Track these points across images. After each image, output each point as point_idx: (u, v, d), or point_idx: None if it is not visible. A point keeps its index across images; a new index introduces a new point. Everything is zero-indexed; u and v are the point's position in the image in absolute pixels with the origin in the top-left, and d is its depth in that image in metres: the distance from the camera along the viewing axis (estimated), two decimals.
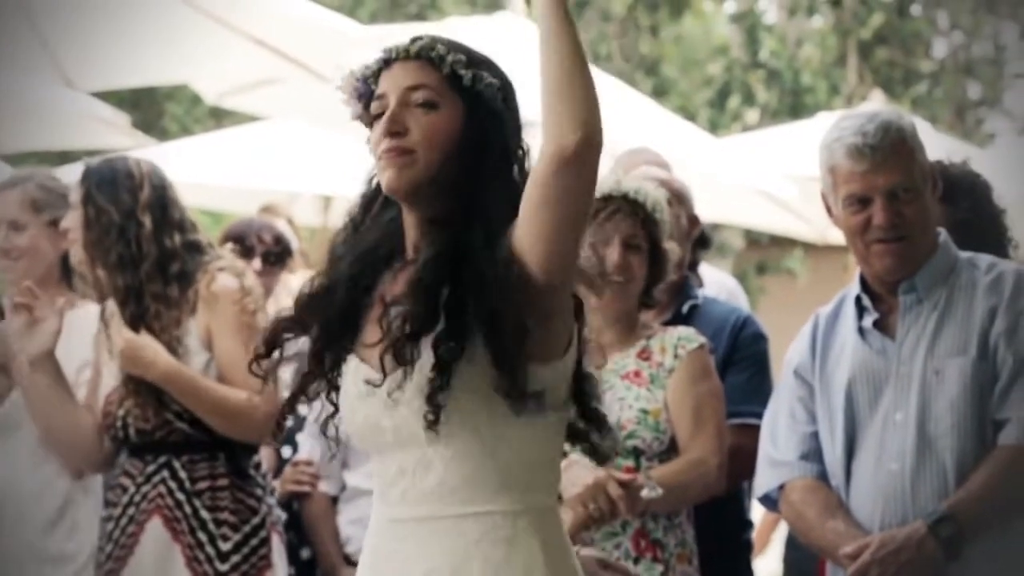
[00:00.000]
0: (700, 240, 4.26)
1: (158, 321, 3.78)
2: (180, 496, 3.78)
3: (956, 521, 3.05)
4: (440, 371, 2.32)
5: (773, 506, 3.32)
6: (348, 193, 7.87)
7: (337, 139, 7.27)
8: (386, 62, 2.43)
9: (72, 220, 3.88)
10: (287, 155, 7.85)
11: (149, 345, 3.73)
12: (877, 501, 3.13)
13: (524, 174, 2.39)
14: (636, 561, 3.42)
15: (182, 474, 3.79)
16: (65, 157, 10.85)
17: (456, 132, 2.39)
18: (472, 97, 2.40)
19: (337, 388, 2.47)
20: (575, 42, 2.33)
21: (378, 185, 2.44)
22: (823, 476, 3.22)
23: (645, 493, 3.33)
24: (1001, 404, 3.11)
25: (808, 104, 15.60)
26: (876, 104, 9.21)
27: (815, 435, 3.24)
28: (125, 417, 3.80)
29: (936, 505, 3.08)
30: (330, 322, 2.45)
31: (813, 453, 3.24)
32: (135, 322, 3.77)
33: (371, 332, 2.41)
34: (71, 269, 4.13)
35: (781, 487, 3.27)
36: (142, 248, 3.80)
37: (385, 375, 2.35)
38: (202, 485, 3.80)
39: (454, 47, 2.42)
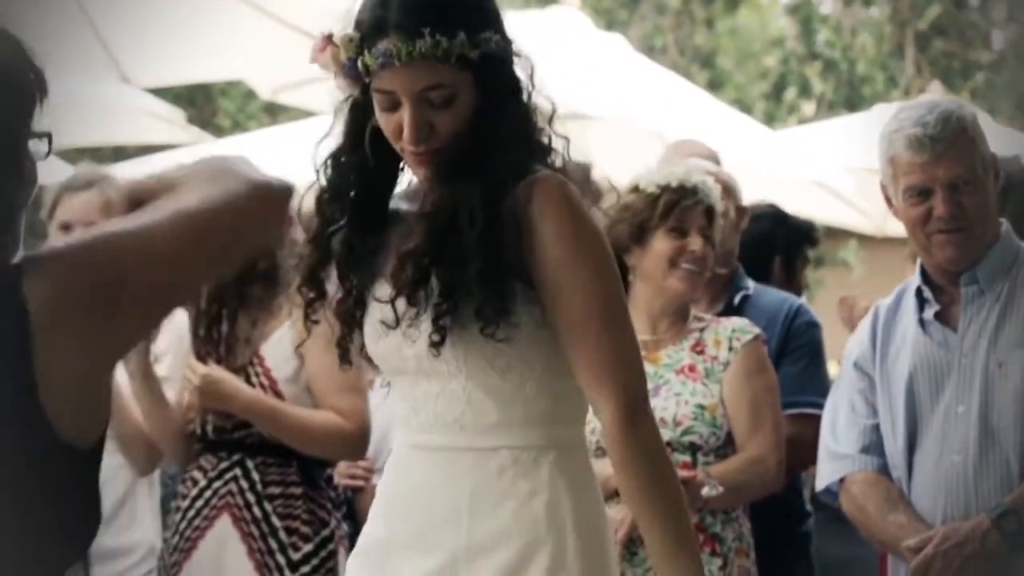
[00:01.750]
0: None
1: (231, 321, 3.77)
2: (251, 497, 3.78)
3: (1020, 515, 3.04)
4: (444, 296, 2.33)
5: (834, 499, 3.32)
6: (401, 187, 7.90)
7: None
8: (384, 65, 2.34)
9: None
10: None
11: (227, 379, 3.72)
12: (939, 494, 3.13)
13: (528, 106, 2.41)
14: None
15: (255, 475, 3.79)
16: (120, 153, 10.95)
17: (473, 106, 2.38)
18: (480, 64, 2.36)
19: (361, 326, 2.48)
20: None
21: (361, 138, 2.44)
22: (884, 469, 3.21)
23: (706, 491, 3.34)
24: None
25: (865, 95, 15.52)
26: (935, 95, 9.15)
27: (876, 428, 3.24)
28: (204, 414, 3.81)
29: (999, 498, 3.07)
30: (354, 275, 2.47)
31: (874, 446, 3.23)
32: (207, 324, 3.77)
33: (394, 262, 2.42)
34: None
35: (842, 480, 3.26)
36: None
37: (397, 316, 2.38)
38: (274, 490, 3.78)
39: (447, 18, 2.34)
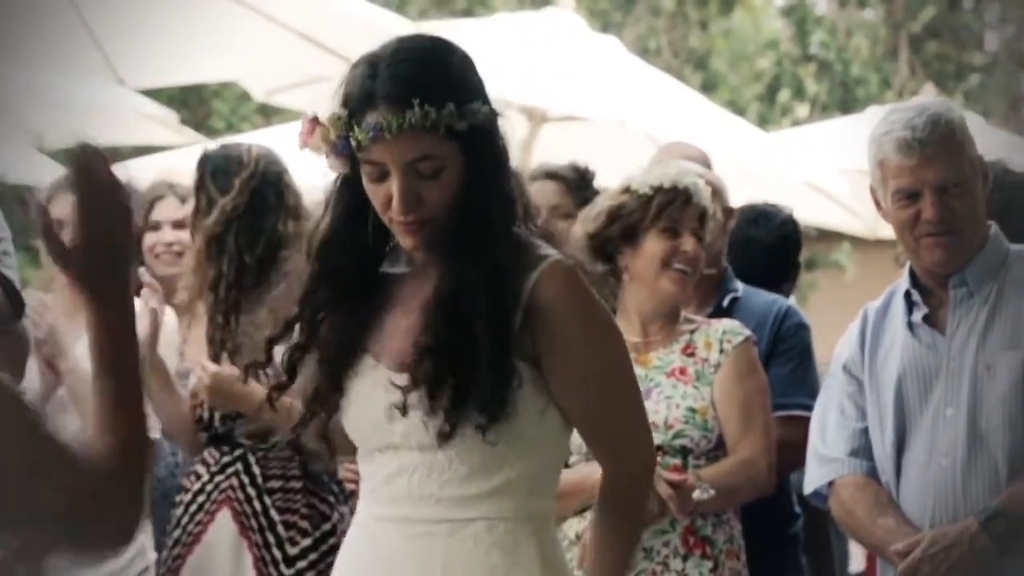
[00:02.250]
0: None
1: (237, 312, 3.76)
2: (251, 491, 3.79)
3: (1009, 517, 3.03)
4: (458, 391, 2.35)
5: (823, 502, 3.32)
6: None
7: None
8: (375, 139, 2.34)
9: (188, 208, 3.92)
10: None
11: (237, 378, 3.69)
12: (928, 497, 3.12)
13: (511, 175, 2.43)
14: (685, 558, 3.42)
15: (255, 469, 3.80)
16: (114, 154, 10.89)
17: (462, 176, 2.39)
18: (468, 134, 2.37)
19: (341, 390, 2.47)
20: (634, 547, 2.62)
21: (349, 191, 2.44)
22: (873, 473, 3.21)
23: (697, 495, 3.34)
24: None
25: (859, 97, 15.52)
26: (926, 97, 9.15)
27: (865, 431, 3.24)
28: (212, 408, 3.81)
29: (988, 501, 3.07)
30: (341, 336, 2.45)
31: (863, 449, 3.23)
32: (220, 312, 3.76)
33: (394, 338, 2.42)
34: None
35: (831, 484, 3.26)
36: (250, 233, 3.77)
37: (406, 403, 2.38)
38: (275, 484, 3.80)
39: (436, 89, 2.35)
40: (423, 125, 2.32)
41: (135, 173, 6.04)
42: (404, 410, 2.37)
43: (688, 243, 3.50)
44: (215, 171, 3.85)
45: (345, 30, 6.54)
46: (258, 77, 7.52)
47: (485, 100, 2.40)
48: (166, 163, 7.99)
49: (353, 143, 2.36)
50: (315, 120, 2.40)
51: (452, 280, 2.37)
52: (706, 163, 4.25)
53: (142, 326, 3.80)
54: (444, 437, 2.35)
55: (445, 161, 2.36)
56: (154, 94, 8.51)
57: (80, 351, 3.99)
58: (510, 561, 2.40)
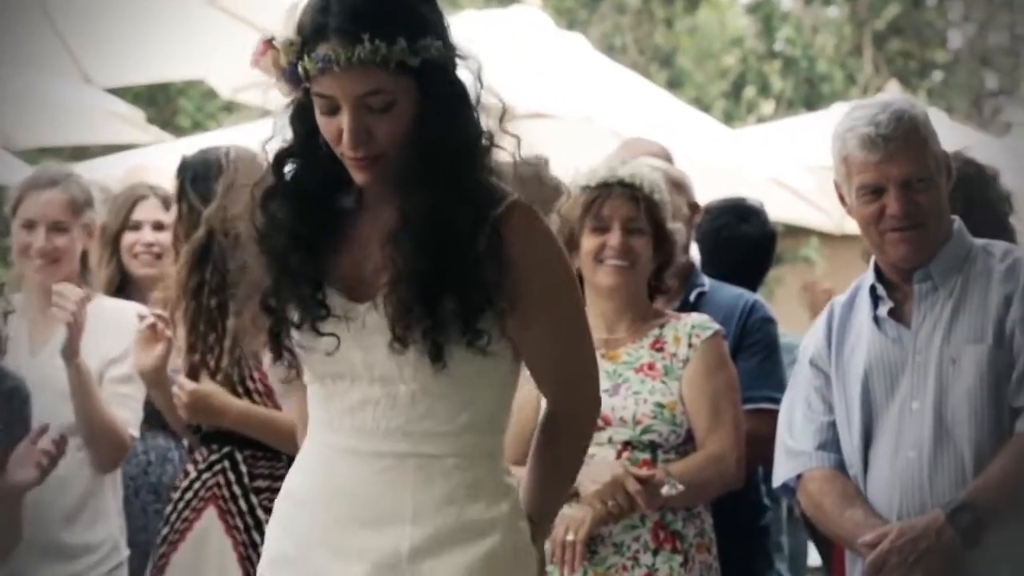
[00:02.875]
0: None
1: (223, 316, 3.73)
2: (237, 489, 3.78)
3: (975, 510, 3.04)
4: (440, 317, 2.37)
5: (791, 495, 3.32)
6: None
7: None
8: (323, 70, 2.33)
9: (172, 214, 3.91)
10: None
11: (215, 392, 3.73)
12: (895, 490, 3.13)
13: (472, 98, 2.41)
14: (655, 552, 3.43)
15: (242, 467, 3.79)
16: (81, 153, 10.88)
17: (414, 112, 2.37)
18: (421, 71, 2.36)
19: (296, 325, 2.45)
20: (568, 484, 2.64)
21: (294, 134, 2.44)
22: (840, 466, 3.22)
23: (665, 491, 3.35)
24: (1018, 391, 3.10)
25: (824, 93, 15.57)
26: (890, 94, 9.20)
27: (832, 425, 3.24)
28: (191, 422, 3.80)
29: (954, 494, 3.07)
30: (293, 272, 2.43)
31: (830, 443, 3.23)
32: (201, 319, 3.75)
33: (350, 268, 2.43)
34: (86, 263, 4.14)
35: (799, 477, 3.26)
36: (200, 237, 3.76)
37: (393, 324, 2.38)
38: (261, 483, 3.78)
39: (386, 24, 2.33)
40: (373, 60, 2.31)
41: (103, 171, 6.04)
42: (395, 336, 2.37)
43: (614, 237, 3.50)
44: (195, 178, 3.84)
45: None
46: (224, 75, 7.51)
47: (441, 36, 2.38)
48: (134, 161, 7.96)
49: (302, 72, 2.35)
50: (268, 43, 2.39)
51: (411, 211, 2.36)
52: (667, 158, 4.26)
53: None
54: (437, 362, 2.37)
55: (396, 96, 2.35)
56: (121, 92, 8.47)
57: (52, 348, 3.98)
58: (478, 498, 2.42)
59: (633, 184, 3.53)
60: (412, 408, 2.41)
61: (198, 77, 9.12)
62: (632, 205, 3.52)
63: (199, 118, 14.58)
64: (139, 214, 4.43)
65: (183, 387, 3.72)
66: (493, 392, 2.46)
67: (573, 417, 2.54)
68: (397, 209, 2.39)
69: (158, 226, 4.34)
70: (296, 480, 2.52)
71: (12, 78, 7.35)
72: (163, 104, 14.39)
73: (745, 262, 4.42)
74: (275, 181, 2.46)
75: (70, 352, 3.87)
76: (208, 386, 3.73)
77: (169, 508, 3.85)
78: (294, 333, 2.46)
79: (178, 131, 12.30)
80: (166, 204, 4.38)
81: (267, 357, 3.70)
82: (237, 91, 7.78)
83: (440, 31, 2.39)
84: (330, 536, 2.44)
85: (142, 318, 3.86)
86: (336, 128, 2.37)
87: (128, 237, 4.42)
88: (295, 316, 2.44)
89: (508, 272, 2.38)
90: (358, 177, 2.41)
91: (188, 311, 3.79)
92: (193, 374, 3.77)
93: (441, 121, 2.38)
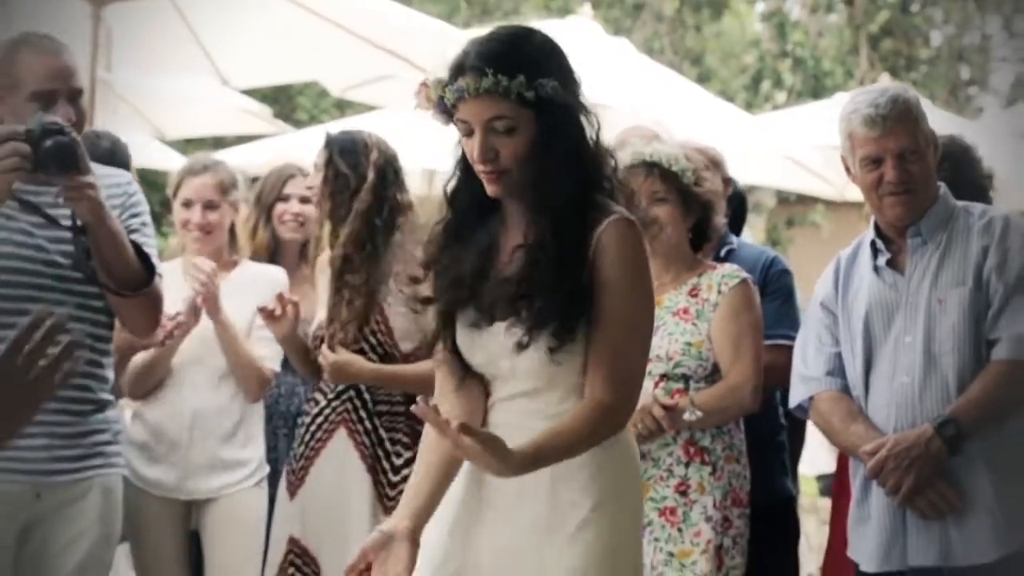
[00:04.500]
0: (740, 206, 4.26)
1: (363, 272, 3.75)
2: (363, 413, 3.78)
3: (957, 424, 3.02)
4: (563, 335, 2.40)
5: (804, 414, 3.31)
6: (446, 167, 7.89)
7: (436, 123, 7.25)
8: (460, 99, 2.39)
9: (313, 180, 3.88)
10: (399, 137, 7.89)
11: (352, 361, 3.73)
12: (891, 409, 3.11)
13: (589, 133, 2.43)
14: (687, 465, 3.42)
15: (366, 396, 3.78)
16: (219, 142, 10.93)
17: (534, 137, 2.39)
18: (539, 103, 2.38)
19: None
20: (566, 455, 2.40)
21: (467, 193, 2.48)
22: (846, 389, 3.19)
23: (686, 416, 3.35)
24: (993, 326, 3.07)
25: (828, 86, 15.37)
26: (886, 83, 9.09)
27: (839, 355, 3.22)
28: (329, 347, 3.80)
29: (940, 411, 3.05)
30: (459, 298, 2.48)
31: (837, 370, 3.21)
32: (346, 271, 3.76)
33: (498, 287, 2.45)
34: (234, 235, 4.18)
35: (811, 399, 3.24)
36: (368, 200, 3.77)
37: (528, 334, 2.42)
38: (383, 408, 3.79)
39: (510, 64, 2.37)
40: (496, 90, 2.35)
41: (241, 157, 6.06)
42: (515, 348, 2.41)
43: (642, 211, 3.38)
44: (343, 150, 3.83)
45: (405, 37, 6.54)
46: (334, 77, 7.52)
47: (559, 79, 2.40)
48: (263, 148, 8.00)
49: (447, 102, 2.40)
50: (424, 84, 2.45)
51: (532, 231, 2.40)
52: (657, 137, 4.21)
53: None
54: (553, 351, 2.39)
55: (517, 122, 2.38)
56: (251, 92, 8.52)
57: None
58: (603, 462, 2.44)
59: (651, 161, 3.50)
60: (550, 395, 2.46)
61: (312, 79, 9.14)
62: (652, 179, 3.48)
63: (315, 113, 14.61)
64: (289, 189, 4.42)
65: (326, 358, 3.74)
66: (581, 378, 2.45)
67: (596, 405, 2.41)
68: (525, 225, 2.43)
69: (304, 199, 4.34)
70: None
71: (162, 82, 7.41)
72: (285, 102, 14.42)
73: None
74: (451, 216, 2.52)
75: (213, 311, 3.92)
76: (345, 355, 3.74)
77: (302, 430, 3.85)
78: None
79: (298, 124, 12.33)
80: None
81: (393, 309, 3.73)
82: (345, 90, 7.79)
83: (560, 76, 2.41)
84: (491, 497, 2.50)
85: (261, 310, 3.88)
86: (472, 148, 2.41)
87: (279, 208, 4.41)
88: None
89: (597, 272, 2.39)
90: (489, 189, 2.44)
91: (334, 284, 3.80)
92: (331, 340, 3.78)
93: (555, 146, 2.39)
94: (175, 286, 3.82)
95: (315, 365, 3.85)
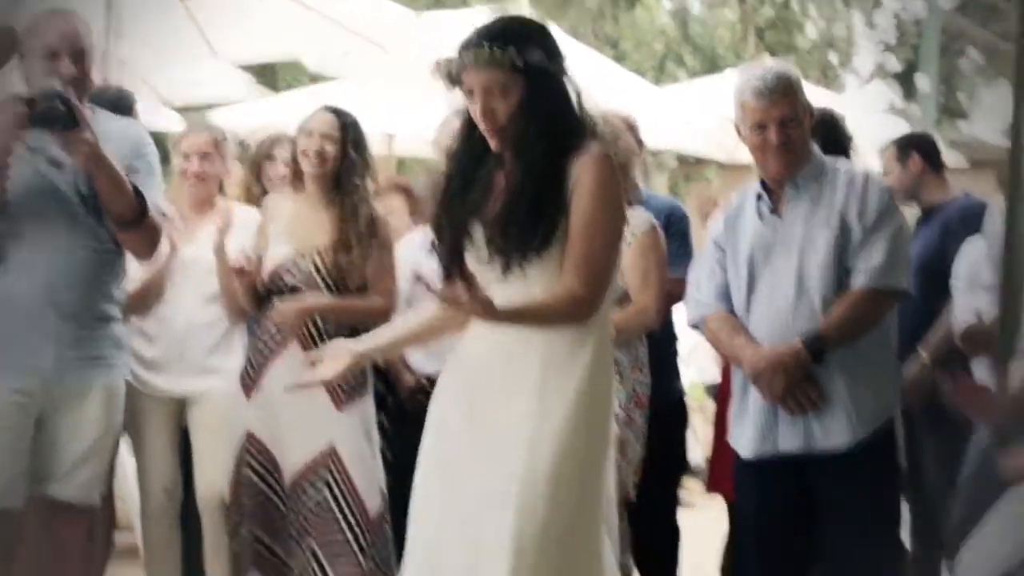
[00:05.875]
0: None
1: (356, 238, 3.73)
2: (314, 331, 3.72)
3: (821, 339, 3.07)
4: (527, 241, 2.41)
5: (699, 331, 3.33)
6: (405, 132, 7.80)
7: (397, 93, 7.19)
8: (463, 68, 2.43)
9: (329, 147, 3.78)
10: (363, 103, 7.83)
11: (299, 310, 3.68)
12: (768, 327, 3.14)
13: (569, 90, 2.45)
14: None
15: (316, 318, 3.72)
16: (212, 106, 10.73)
17: (524, 94, 2.41)
18: (527, 70, 2.41)
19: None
20: (534, 320, 2.39)
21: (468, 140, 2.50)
22: (732, 311, 3.22)
23: None
24: (853, 260, 3.11)
25: (722, 67, 15.39)
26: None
27: (726, 284, 3.24)
28: (285, 283, 3.76)
29: (808, 329, 3.09)
30: (460, 238, 2.50)
31: (725, 296, 3.24)
32: (347, 226, 3.73)
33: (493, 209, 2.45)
34: (222, 185, 4.15)
35: (704, 319, 3.27)
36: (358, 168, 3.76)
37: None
38: (329, 328, 3.71)
39: (503, 39, 2.41)
40: (492, 60, 2.40)
41: (230, 117, 5.99)
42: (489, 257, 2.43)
43: None
44: (354, 123, 3.80)
45: (370, 18, 6.48)
46: (310, 54, 7.42)
47: (545, 51, 2.43)
48: (247, 111, 7.88)
49: (454, 72, 2.43)
50: (438, 61, 2.48)
51: (523, 175, 2.41)
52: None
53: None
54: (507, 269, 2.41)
55: (510, 86, 2.41)
56: (240, 67, 8.38)
57: (199, 239, 3.99)
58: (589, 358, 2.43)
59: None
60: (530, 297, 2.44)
61: (292, 57, 9.01)
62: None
63: (292, 82, 14.38)
64: (277, 152, 4.36)
65: (288, 307, 3.69)
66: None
67: (561, 297, 2.41)
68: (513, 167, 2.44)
69: (287, 162, 4.30)
70: (463, 348, 2.56)
71: (164, 56, 7.28)
72: (269, 75, 14.19)
73: None
74: (453, 169, 2.53)
75: (218, 243, 3.89)
76: (304, 301, 3.70)
77: (259, 343, 3.78)
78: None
79: (277, 91, 12.13)
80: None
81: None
82: (317, 63, 7.69)
83: (545, 49, 2.44)
84: (486, 381, 2.49)
85: (235, 270, 3.82)
86: (475, 110, 2.45)
87: (267, 167, 4.37)
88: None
89: (573, 196, 2.40)
90: (492, 144, 2.46)
91: (339, 224, 3.75)
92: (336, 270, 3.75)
93: (540, 104, 2.41)
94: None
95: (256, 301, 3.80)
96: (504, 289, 2.42)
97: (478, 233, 2.45)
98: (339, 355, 2.51)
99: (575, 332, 2.43)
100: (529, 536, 2.31)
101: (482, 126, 2.44)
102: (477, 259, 2.47)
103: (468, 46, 2.43)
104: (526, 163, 2.40)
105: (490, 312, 2.33)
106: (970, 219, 4.19)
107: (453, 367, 2.54)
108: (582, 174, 2.39)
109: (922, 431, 4.00)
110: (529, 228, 2.39)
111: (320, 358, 2.52)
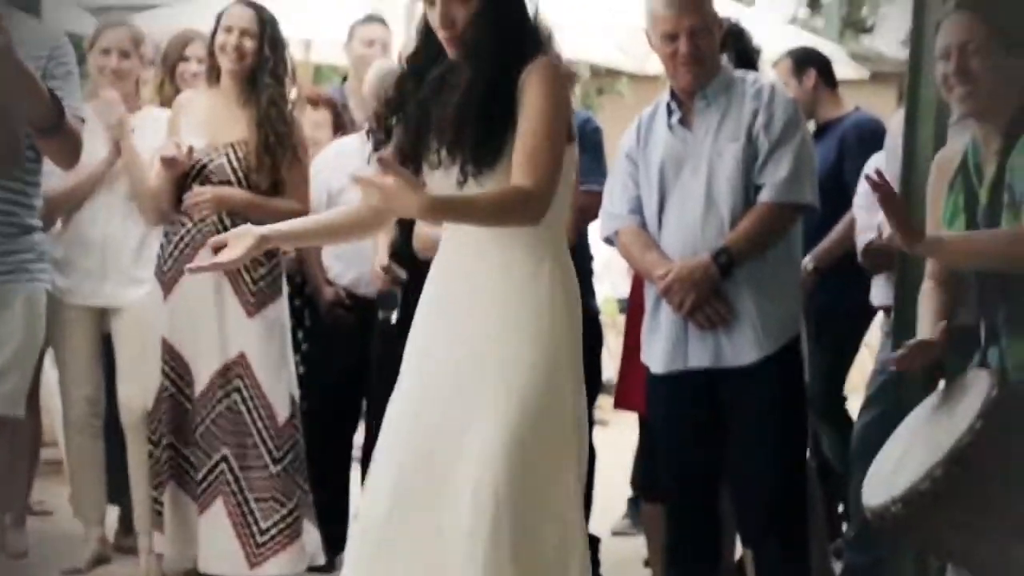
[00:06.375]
0: None
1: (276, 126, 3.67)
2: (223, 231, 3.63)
3: (729, 252, 3.02)
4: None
5: (610, 244, 3.26)
6: (321, 38, 7.52)
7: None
8: None
9: (248, 42, 3.66)
10: (281, 9, 7.52)
11: (231, 193, 3.64)
12: (679, 241, 3.08)
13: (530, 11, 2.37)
14: None
15: (227, 222, 3.59)
16: (131, 8, 10.26)
17: (482, 6, 2.32)
18: None
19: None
20: (482, 214, 2.27)
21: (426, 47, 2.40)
22: (643, 225, 3.15)
23: None
24: (759, 174, 3.05)
25: None
26: None
27: (638, 198, 3.17)
28: (200, 175, 3.67)
29: (716, 243, 3.04)
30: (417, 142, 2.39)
31: (637, 209, 3.16)
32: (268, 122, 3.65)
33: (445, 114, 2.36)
34: (138, 85, 4.01)
35: (616, 232, 3.20)
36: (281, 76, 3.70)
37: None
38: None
39: None
40: None
41: (146, 22, 5.68)
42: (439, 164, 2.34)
43: None
44: (272, 20, 3.69)
45: None
46: None
47: None
48: (166, 14, 7.52)
49: None
50: None
51: (472, 75, 2.32)
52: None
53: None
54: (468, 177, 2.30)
55: None
56: None
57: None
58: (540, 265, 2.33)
59: None
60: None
61: None
62: None
63: None
64: (188, 51, 4.17)
65: (203, 192, 3.64)
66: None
67: (515, 189, 2.27)
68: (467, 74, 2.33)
69: (200, 60, 4.09)
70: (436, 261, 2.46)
71: None
72: None
73: None
74: (408, 73, 2.42)
75: (124, 140, 3.77)
76: (221, 188, 3.65)
77: (171, 247, 3.69)
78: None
79: None
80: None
81: None
82: None
83: None
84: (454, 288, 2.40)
85: (164, 159, 3.69)
86: (434, 17, 2.34)
87: (180, 67, 4.17)
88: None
89: (521, 99, 2.30)
90: (449, 51, 2.36)
91: (258, 130, 3.67)
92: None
93: (497, 13, 2.32)
94: (88, 127, 3.62)
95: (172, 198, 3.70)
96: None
97: (432, 141, 2.35)
98: (243, 237, 2.36)
99: (531, 251, 2.32)
100: (502, 444, 2.21)
101: (440, 34, 2.34)
102: (429, 165, 2.36)
103: None
104: (480, 69, 2.31)
105: (429, 206, 2.19)
106: (864, 134, 4.20)
107: (427, 286, 2.44)
108: (530, 78, 2.31)
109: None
110: (484, 132, 2.29)
111: (224, 241, 2.39)
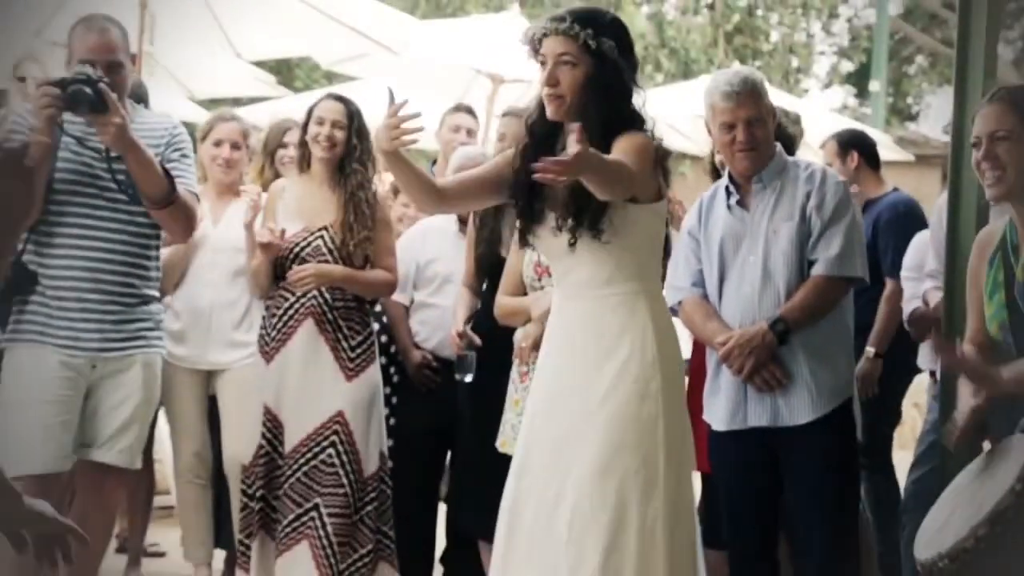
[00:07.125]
0: None
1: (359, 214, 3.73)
2: (325, 308, 3.71)
3: (785, 321, 3.06)
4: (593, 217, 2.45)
5: (674, 315, 3.31)
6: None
7: (404, 92, 7.10)
8: (545, 35, 2.42)
9: (338, 133, 3.75)
10: (374, 103, 7.76)
11: (330, 269, 3.69)
12: (737, 311, 3.13)
13: (632, 87, 2.46)
14: None
15: (327, 295, 3.70)
16: (236, 103, 10.66)
17: (588, 78, 2.40)
18: (598, 54, 2.40)
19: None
20: (609, 173, 2.33)
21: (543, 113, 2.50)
22: (705, 297, 3.20)
23: None
24: (813, 250, 3.09)
25: (694, 71, 15.34)
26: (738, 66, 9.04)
27: (700, 271, 3.22)
28: (298, 256, 3.74)
29: (773, 313, 3.08)
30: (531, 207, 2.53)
31: (699, 282, 3.21)
32: (351, 206, 3.72)
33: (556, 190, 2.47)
34: (241, 174, 4.10)
35: (680, 303, 3.24)
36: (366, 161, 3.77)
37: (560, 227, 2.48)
38: (339, 304, 3.72)
39: (584, 21, 2.41)
40: (569, 32, 2.41)
41: (251, 115, 5.94)
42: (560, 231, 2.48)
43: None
44: (359, 113, 3.78)
45: (377, 23, 6.42)
46: (324, 53, 7.36)
47: (618, 44, 2.44)
48: (269, 108, 7.82)
49: (536, 40, 2.45)
50: (528, 28, 2.50)
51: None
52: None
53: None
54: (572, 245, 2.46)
55: (579, 62, 2.41)
56: (259, 64, 8.31)
57: (227, 219, 3.98)
58: (634, 314, 2.48)
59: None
60: (593, 268, 2.52)
61: (307, 55, 8.94)
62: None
63: (308, 82, 14.30)
64: (287, 138, 4.30)
65: (305, 269, 3.68)
66: (636, 251, 2.53)
67: (623, 165, 2.36)
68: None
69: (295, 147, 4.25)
70: (551, 319, 2.63)
71: (192, 54, 7.21)
72: (285, 72, 14.10)
73: None
74: (528, 140, 2.53)
75: (249, 225, 3.86)
76: (321, 265, 3.70)
77: (275, 320, 3.73)
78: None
79: (295, 90, 12.06)
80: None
81: None
82: (332, 64, 7.63)
83: (619, 43, 2.45)
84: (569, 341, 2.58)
85: (261, 245, 3.77)
86: (543, 75, 2.44)
87: (280, 152, 4.30)
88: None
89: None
90: (549, 110, 2.45)
91: (351, 210, 3.73)
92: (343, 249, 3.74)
93: (601, 87, 2.41)
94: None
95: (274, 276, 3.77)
96: (571, 258, 2.47)
97: (548, 213, 2.47)
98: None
99: (623, 312, 2.46)
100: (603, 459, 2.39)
101: (544, 91, 2.42)
102: (547, 232, 2.50)
103: (554, 19, 2.44)
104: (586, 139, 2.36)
105: (585, 153, 2.20)
106: (898, 213, 4.24)
107: (544, 347, 2.61)
108: (619, 140, 2.41)
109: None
110: (596, 211, 2.40)
111: None
